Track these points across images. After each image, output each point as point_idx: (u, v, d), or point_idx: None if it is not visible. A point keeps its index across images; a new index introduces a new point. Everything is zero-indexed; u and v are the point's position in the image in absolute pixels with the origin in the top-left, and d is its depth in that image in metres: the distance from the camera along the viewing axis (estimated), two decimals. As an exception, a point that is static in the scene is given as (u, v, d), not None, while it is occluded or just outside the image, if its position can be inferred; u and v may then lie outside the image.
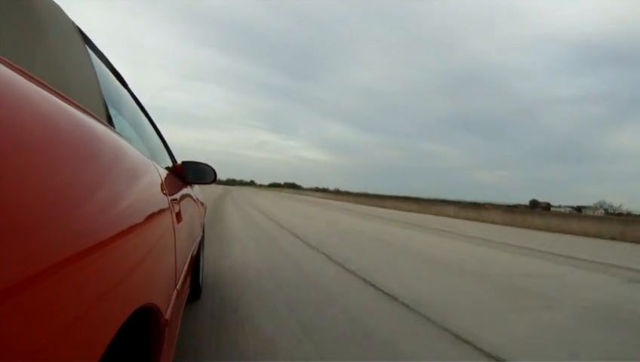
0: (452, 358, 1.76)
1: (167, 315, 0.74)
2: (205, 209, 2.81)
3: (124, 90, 1.31)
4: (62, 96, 0.49)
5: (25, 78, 0.41)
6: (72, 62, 0.73)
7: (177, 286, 0.92)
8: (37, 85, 0.43)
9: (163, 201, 0.85)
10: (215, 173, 1.80)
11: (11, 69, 0.40)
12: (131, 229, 0.54)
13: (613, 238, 9.51)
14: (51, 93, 0.46)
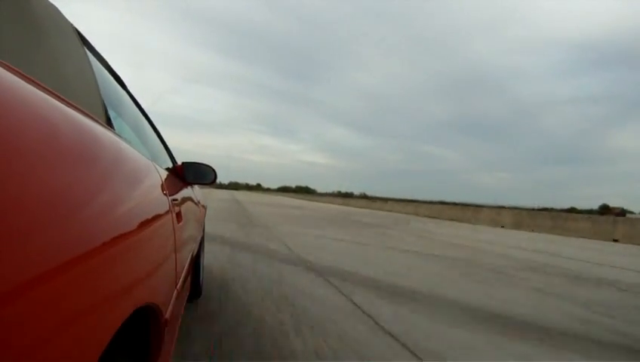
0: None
1: (167, 315, 0.74)
2: (205, 209, 2.82)
3: (123, 92, 1.31)
4: (61, 99, 0.49)
5: (24, 80, 0.42)
6: (70, 65, 0.73)
7: (177, 287, 0.92)
8: (36, 88, 0.43)
9: (163, 202, 0.85)
10: (215, 174, 1.80)
11: (10, 71, 0.40)
12: (132, 230, 0.54)
13: None
14: (51, 96, 0.46)
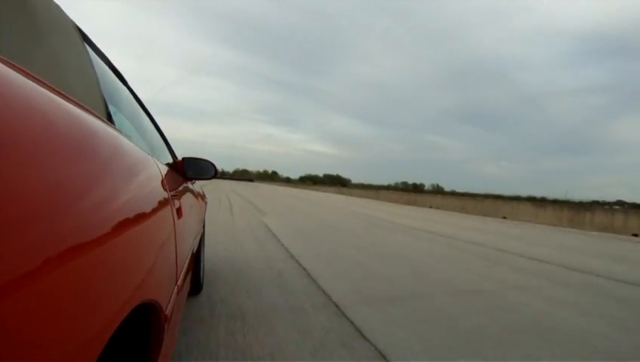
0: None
1: (168, 311, 0.74)
2: (206, 205, 2.82)
3: (124, 88, 1.31)
4: (62, 94, 0.49)
5: (25, 76, 0.42)
6: (71, 61, 0.73)
7: (178, 283, 0.92)
8: (37, 83, 0.43)
9: (163, 197, 0.85)
10: (216, 169, 1.79)
11: (11, 67, 0.40)
12: (132, 225, 0.54)
13: None
14: (51, 92, 0.46)
